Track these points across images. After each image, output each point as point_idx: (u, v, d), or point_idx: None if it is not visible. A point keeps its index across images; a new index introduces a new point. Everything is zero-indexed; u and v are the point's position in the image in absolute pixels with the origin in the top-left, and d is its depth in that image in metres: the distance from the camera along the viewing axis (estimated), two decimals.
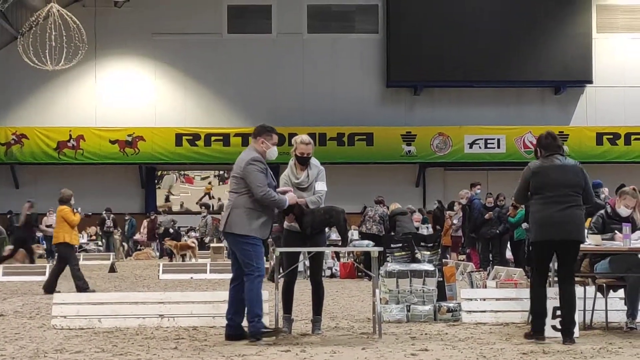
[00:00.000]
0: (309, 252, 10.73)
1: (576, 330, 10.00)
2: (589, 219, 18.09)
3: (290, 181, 10.56)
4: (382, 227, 22.46)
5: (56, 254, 19.37)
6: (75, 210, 18.29)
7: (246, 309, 9.94)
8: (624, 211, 11.28)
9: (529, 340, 9.91)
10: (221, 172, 39.85)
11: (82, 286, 17.58)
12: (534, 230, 9.97)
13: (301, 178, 10.58)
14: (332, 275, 22.71)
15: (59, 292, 17.41)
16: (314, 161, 10.68)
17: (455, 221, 26.53)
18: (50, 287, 17.62)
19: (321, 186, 10.61)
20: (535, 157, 10.27)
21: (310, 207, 10.40)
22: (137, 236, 37.36)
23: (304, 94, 38.78)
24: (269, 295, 11.52)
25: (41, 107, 38.39)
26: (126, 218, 36.75)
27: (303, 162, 10.58)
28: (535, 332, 9.99)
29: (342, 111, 38.23)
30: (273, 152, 10.19)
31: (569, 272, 9.98)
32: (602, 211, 11.73)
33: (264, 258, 10.15)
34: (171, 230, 35.13)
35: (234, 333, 10.08)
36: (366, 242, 11.18)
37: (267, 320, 11.30)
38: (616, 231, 11.06)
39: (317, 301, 10.67)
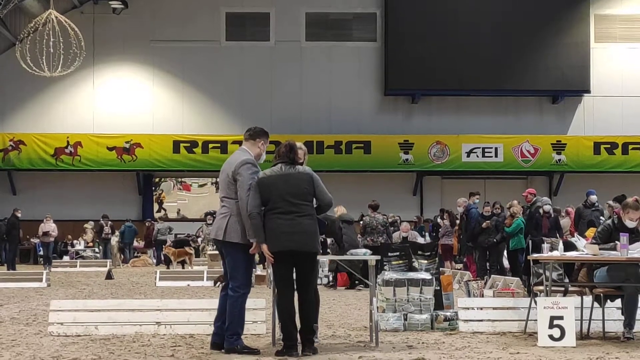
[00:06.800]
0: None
1: (317, 338, 10.02)
2: (593, 229, 18.10)
3: None
4: (386, 236, 22.38)
5: None
6: None
7: (226, 323, 9.67)
8: (630, 224, 11.34)
9: (281, 357, 9.49)
10: (218, 179, 39.78)
11: None
12: (269, 242, 9.65)
13: None
14: (329, 284, 22.42)
15: None
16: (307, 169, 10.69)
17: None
18: None
19: None
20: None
21: None
22: (135, 243, 37.25)
23: (301, 102, 38.72)
24: (266, 303, 11.53)
25: (39, 114, 38.31)
26: (127, 224, 36.54)
27: None
28: (287, 347, 9.61)
29: (340, 119, 38.19)
30: (263, 157, 10.14)
31: (304, 282, 9.84)
32: (609, 221, 11.81)
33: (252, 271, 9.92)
34: (170, 240, 34.43)
35: (220, 342, 9.86)
36: (363, 250, 11.13)
37: (264, 328, 11.32)
38: (617, 242, 11.09)
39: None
